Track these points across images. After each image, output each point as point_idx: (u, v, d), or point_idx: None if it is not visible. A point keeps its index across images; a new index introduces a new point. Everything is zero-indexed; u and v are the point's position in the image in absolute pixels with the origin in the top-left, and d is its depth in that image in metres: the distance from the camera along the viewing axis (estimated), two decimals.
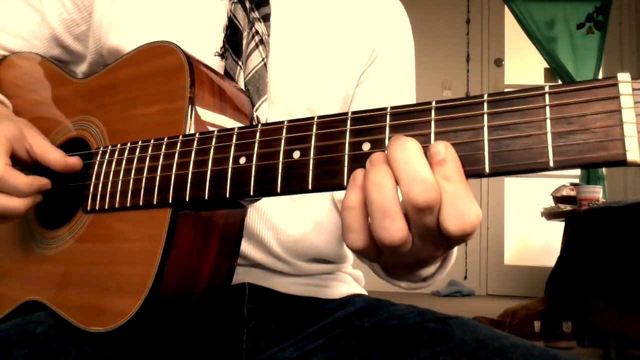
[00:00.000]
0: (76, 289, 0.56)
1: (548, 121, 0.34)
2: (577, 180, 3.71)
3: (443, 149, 0.36)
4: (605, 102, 0.33)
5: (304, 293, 0.71)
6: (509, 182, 4.24)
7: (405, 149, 0.36)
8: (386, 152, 0.38)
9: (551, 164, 0.34)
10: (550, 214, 2.98)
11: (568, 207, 2.86)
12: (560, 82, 3.98)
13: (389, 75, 0.77)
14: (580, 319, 2.23)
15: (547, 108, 0.35)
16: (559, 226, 3.09)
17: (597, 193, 2.88)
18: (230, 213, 0.55)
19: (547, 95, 0.35)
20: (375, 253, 0.40)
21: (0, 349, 0.51)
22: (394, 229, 0.37)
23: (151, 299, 0.49)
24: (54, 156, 0.60)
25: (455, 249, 0.54)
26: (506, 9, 4.32)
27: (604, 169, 3.99)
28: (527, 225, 4.21)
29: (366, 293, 0.77)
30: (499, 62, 4.32)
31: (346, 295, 0.73)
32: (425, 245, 0.39)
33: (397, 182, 0.37)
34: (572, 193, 2.98)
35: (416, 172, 0.36)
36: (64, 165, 0.60)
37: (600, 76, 3.92)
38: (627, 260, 1.92)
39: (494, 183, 4.20)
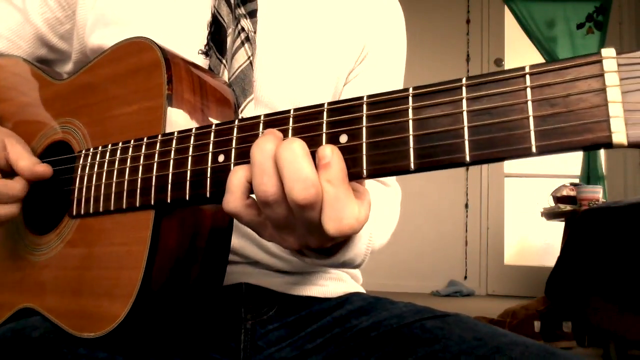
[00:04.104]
0: (66, 295, 0.56)
1: (529, 103, 0.32)
2: (577, 180, 3.70)
3: (330, 153, 0.38)
4: (589, 80, 0.31)
5: (302, 292, 0.70)
6: (509, 182, 4.23)
7: (290, 149, 0.38)
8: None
9: (534, 149, 0.32)
10: (550, 214, 2.97)
11: (568, 207, 2.86)
12: None
13: (378, 74, 0.75)
14: (580, 319, 2.22)
15: (529, 90, 0.33)
16: (559, 226, 3.08)
17: (597, 193, 2.88)
18: (217, 211, 0.53)
19: (527, 77, 0.33)
20: (253, 220, 0.43)
21: None
22: (270, 184, 0.39)
23: (140, 302, 0.48)
24: (22, 165, 0.59)
25: (364, 233, 0.57)
26: (506, 9, 4.31)
27: (604, 168, 3.97)
28: (527, 225, 4.19)
29: (364, 291, 0.75)
30: (499, 62, 4.31)
31: (344, 294, 0.72)
32: (313, 236, 0.42)
33: (281, 181, 0.39)
34: (572, 193, 2.98)
35: (298, 171, 0.38)
36: (31, 174, 0.59)
37: None
38: (627, 260, 1.91)
39: (494, 183, 4.18)
